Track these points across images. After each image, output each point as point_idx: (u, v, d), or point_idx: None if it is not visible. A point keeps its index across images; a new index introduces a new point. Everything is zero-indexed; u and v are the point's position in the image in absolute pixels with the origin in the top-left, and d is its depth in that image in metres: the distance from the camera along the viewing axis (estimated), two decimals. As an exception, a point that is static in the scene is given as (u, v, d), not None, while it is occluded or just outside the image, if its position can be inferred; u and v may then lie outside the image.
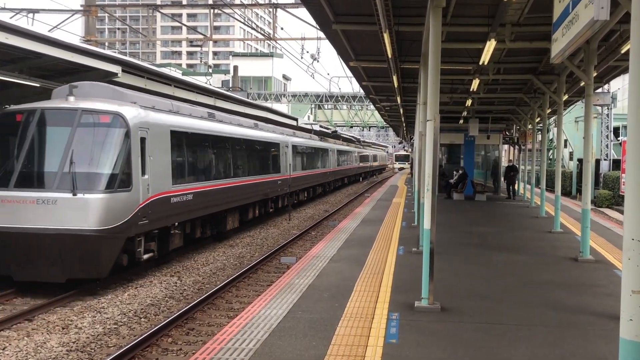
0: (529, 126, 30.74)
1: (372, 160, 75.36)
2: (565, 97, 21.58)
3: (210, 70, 44.44)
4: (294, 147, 29.99)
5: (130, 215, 12.42)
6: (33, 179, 11.79)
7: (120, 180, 12.12)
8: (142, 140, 13.03)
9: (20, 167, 11.85)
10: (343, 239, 15.09)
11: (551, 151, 47.88)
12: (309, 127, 43.55)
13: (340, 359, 6.45)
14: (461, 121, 32.00)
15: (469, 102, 24.75)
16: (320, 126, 59.58)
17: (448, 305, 8.69)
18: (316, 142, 36.54)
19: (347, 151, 51.65)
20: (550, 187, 33.62)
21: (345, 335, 7.25)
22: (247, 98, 55.63)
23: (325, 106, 68.10)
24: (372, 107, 62.77)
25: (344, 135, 62.72)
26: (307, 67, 31.20)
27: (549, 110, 25.08)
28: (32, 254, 11.41)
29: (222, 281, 14.58)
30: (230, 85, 61.22)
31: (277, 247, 18.91)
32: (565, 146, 45.55)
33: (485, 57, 14.24)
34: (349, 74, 23.32)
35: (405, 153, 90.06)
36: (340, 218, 27.19)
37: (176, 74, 36.43)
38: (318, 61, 32.35)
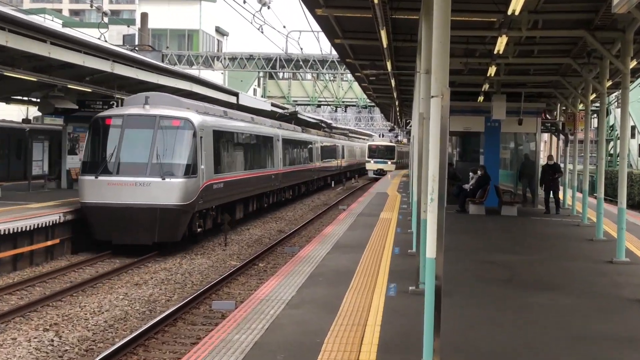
0: (580, 106, 31.00)
1: (344, 156, 77.01)
2: (634, 64, 21.68)
3: (105, 20, 43.84)
4: (283, 140, 42.07)
5: (196, 197, 24.50)
6: (131, 168, 23.88)
7: (191, 169, 24.17)
8: (201, 138, 24.99)
9: (119, 159, 24.04)
10: (307, 272, 15.04)
11: (612, 143, 48.57)
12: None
13: None
14: (481, 99, 32.25)
15: (492, 71, 24.89)
16: (273, 104, 59.55)
17: (462, 371, 8.70)
18: (300, 135, 51.23)
19: (304, 141, 53.49)
20: (611, 196, 34.08)
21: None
22: (163, 62, 55.34)
23: (280, 75, 68.08)
24: (349, 76, 62.99)
25: (307, 118, 62.42)
26: (253, 17, 31.08)
27: (609, 83, 25.23)
28: (130, 223, 23.31)
29: (122, 337, 14.41)
30: (137, 43, 60.78)
31: (207, 285, 18.80)
32: (633, 136, 46.14)
33: (517, 4, 14.33)
34: (316, 27, 23.30)
35: (387, 144, 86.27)
36: (302, 242, 27.12)
37: (54, 24, 36.02)
38: (269, 7, 32.21)
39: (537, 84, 31.14)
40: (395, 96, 38.57)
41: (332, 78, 70.96)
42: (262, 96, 76.52)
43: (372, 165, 79.85)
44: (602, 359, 9.56)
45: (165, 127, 24.50)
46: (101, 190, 23.90)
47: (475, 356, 9.46)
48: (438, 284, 8.60)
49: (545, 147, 54.14)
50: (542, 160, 51.22)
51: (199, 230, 26.16)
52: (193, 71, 57.04)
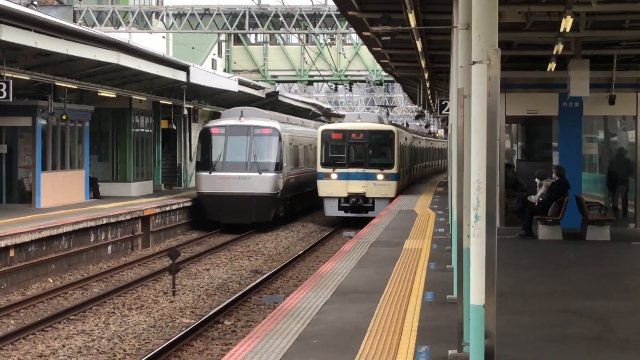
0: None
1: None
2: None
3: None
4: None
5: (282, 188, 54.67)
6: (235, 165, 52.82)
7: (279, 167, 54.17)
8: (283, 142, 54.97)
9: (225, 158, 53.12)
10: (294, 332, 15.03)
11: None
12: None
13: None
14: (552, 66, 32.22)
15: (567, 24, 24.91)
16: (241, 82, 59.77)
17: None
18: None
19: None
20: None
21: None
22: (75, 22, 55.42)
23: (252, 38, 68.13)
24: (355, 38, 63.17)
25: (293, 102, 65.05)
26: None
27: None
28: (234, 207, 51.45)
29: None
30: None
31: (147, 356, 18.88)
32: None
33: None
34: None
35: (374, 126, 60.83)
36: (288, 287, 27.16)
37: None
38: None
39: (635, 43, 31.12)
40: (423, 66, 38.46)
41: (329, 41, 70.33)
42: (225, 70, 76.36)
43: (333, 187, 56.85)
44: None
45: (258, 135, 52.79)
46: (214, 183, 51.19)
47: None
48: (489, 343, 8.59)
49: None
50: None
51: (281, 214, 55.43)
52: (121, 35, 57.28)
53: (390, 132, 59.58)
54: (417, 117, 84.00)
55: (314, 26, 62.73)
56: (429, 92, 54.79)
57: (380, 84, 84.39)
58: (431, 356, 13.36)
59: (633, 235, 29.84)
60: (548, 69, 31.92)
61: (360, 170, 56.34)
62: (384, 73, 66.39)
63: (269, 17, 62.29)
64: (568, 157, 31.37)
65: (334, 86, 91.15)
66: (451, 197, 18.78)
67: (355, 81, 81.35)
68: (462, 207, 13.89)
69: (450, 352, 13.14)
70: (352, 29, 49.25)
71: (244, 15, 62.14)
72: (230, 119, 53.86)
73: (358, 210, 55.90)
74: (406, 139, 69.59)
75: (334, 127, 62.88)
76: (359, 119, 60.99)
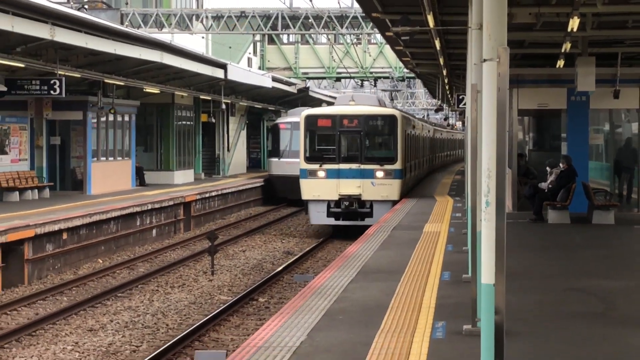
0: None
1: None
2: None
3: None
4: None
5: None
6: (294, 153, 53.89)
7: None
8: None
9: (291, 148, 59.38)
10: (322, 308, 15.01)
11: None
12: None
13: None
14: (560, 63, 32.08)
15: (574, 24, 24.78)
16: (274, 79, 59.46)
17: None
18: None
19: None
20: None
21: None
22: (123, 24, 55.45)
23: (284, 38, 68.20)
24: (379, 38, 63.04)
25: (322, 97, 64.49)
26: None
27: None
28: (297, 186, 45.56)
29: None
30: (86, 0, 60.95)
31: (188, 329, 18.92)
32: None
33: None
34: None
35: (370, 110, 47.54)
36: (317, 266, 27.13)
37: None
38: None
39: (639, 41, 30.93)
40: (441, 63, 38.34)
41: (355, 41, 69.70)
42: (260, 67, 76.46)
43: (321, 187, 43.87)
44: None
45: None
46: (282, 167, 59.10)
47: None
48: (499, 319, 8.53)
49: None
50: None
51: None
52: (164, 35, 57.22)
53: (392, 117, 45.11)
54: (436, 110, 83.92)
55: (341, 27, 62.45)
56: (447, 87, 54.48)
57: (403, 79, 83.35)
58: (447, 331, 13.31)
59: (636, 220, 29.69)
60: (557, 66, 31.82)
61: (354, 166, 42.59)
62: (405, 70, 65.24)
63: (300, 19, 62.09)
64: (576, 147, 31.25)
65: (360, 82, 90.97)
66: (467, 185, 18.77)
67: (380, 77, 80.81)
68: (474, 194, 13.85)
69: (464, 327, 13.10)
70: (376, 30, 48.71)
71: (277, 18, 61.92)
72: (294, 116, 58.83)
73: (352, 217, 42.21)
74: (414, 127, 55.73)
75: (321, 112, 46.87)
76: (352, 101, 45.65)
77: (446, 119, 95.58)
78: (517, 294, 15.06)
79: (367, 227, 32.29)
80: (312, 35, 69.60)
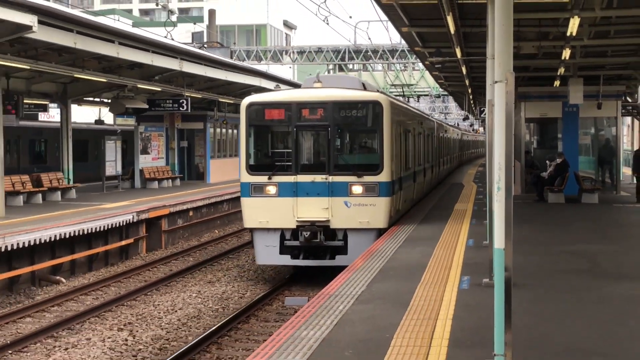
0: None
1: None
2: None
3: (173, 18, 44.38)
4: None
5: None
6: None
7: None
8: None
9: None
10: (377, 267, 14.99)
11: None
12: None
13: None
14: (557, 83, 31.74)
15: (567, 54, 24.47)
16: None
17: (536, 365, 8.60)
18: None
19: None
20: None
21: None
22: (231, 58, 55.74)
23: (350, 66, 68.04)
24: (420, 65, 62.77)
25: None
26: (318, 8, 31.11)
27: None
28: None
29: (196, 336, 14.62)
30: (205, 40, 61.37)
31: (280, 283, 19.12)
32: None
33: (587, -16, 14.04)
34: (383, 16, 23.22)
35: (341, 95, 22.14)
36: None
37: (123, 24, 36.62)
38: (335, -1, 32.22)
39: (615, 66, 30.53)
40: (467, 84, 38.11)
41: (402, 67, 68.96)
42: (333, 89, 76.41)
43: (271, 210, 21.20)
44: (685, 349, 9.34)
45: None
46: None
47: (550, 352, 9.30)
48: (507, 275, 8.48)
49: (629, 132, 53.11)
50: (626, 145, 50.48)
51: None
52: (262, 66, 57.33)
53: (375, 105, 22.21)
54: (464, 119, 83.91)
55: (392, 57, 62.02)
56: (472, 101, 54.03)
57: (439, 96, 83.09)
58: (471, 283, 13.30)
59: (614, 199, 29.40)
60: (554, 85, 31.51)
61: (319, 178, 21.52)
62: (440, 89, 64.70)
63: (362, 52, 61.75)
64: (568, 146, 31.04)
65: (407, 98, 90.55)
66: (487, 174, 18.58)
67: (421, 95, 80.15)
68: (490, 181, 13.78)
69: (484, 280, 13.07)
70: (418, 59, 48.88)
71: (345, 52, 61.74)
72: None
73: (317, 254, 21.56)
74: (421, 123, 31.71)
75: (269, 99, 22.96)
76: (317, 82, 23.00)
77: (471, 125, 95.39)
78: (522, 256, 14.95)
79: (341, 268, 16.60)
80: (371, 64, 69.18)
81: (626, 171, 41.91)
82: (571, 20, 18.83)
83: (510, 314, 8.51)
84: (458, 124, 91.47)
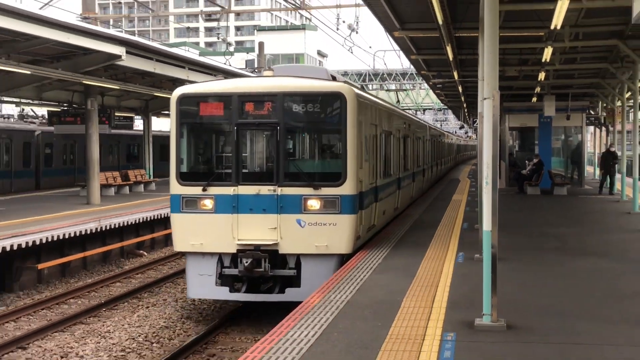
0: (618, 103, 30.17)
1: None
2: (661, 66, 21.06)
3: (230, 49, 44.64)
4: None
5: None
6: None
7: None
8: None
9: None
10: (391, 244, 14.93)
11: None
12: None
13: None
14: (534, 99, 31.64)
15: (542, 76, 24.40)
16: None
17: (516, 322, 8.55)
18: None
19: None
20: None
21: (390, 362, 7.17)
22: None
23: (370, 86, 67.86)
24: (425, 85, 62.50)
25: None
26: (344, 40, 31.08)
27: (641, 83, 24.52)
28: None
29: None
30: (256, 66, 61.30)
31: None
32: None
33: (558, 20, 13.97)
34: (396, 46, 23.23)
35: (307, 84, 13.65)
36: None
37: (191, 54, 36.77)
38: (357, 32, 32.16)
39: (581, 86, 30.40)
40: (462, 100, 38.10)
41: (411, 87, 68.65)
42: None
43: (206, 230, 13.09)
44: (633, 312, 9.25)
45: None
46: None
47: (527, 311, 9.27)
48: (494, 251, 8.49)
49: (592, 138, 52.64)
50: (589, 149, 50.05)
51: None
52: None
53: (337, 97, 13.05)
54: (460, 128, 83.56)
55: (404, 79, 61.95)
56: (466, 114, 53.89)
57: (440, 110, 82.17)
58: (465, 257, 13.20)
59: (580, 192, 29.13)
60: (532, 101, 31.44)
61: (266, 189, 12.93)
62: (442, 104, 64.41)
63: (379, 75, 61.75)
64: (543, 149, 30.83)
65: (415, 111, 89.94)
66: (479, 171, 18.52)
67: (427, 109, 79.56)
68: (481, 177, 13.71)
69: (475, 255, 12.96)
70: (423, 81, 48.81)
71: (365, 75, 61.75)
72: None
73: (262, 285, 13.39)
74: (394, 122, 19.30)
75: (206, 90, 13.49)
76: (268, 71, 14.28)
77: (466, 132, 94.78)
78: (505, 237, 14.84)
79: (295, 304, 10.16)
80: (386, 84, 68.90)
81: (589, 169, 41.61)
82: (545, 50, 18.78)
83: (496, 282, 8.50)
84: (456, 132, 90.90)
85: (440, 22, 14.46)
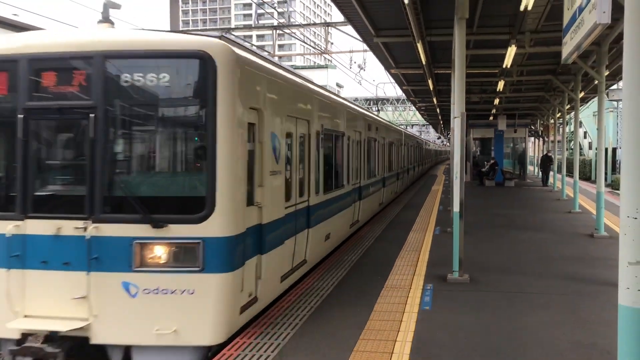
0: (551, 120, 29.89)
1: None
2: (582, 95, 20.92)
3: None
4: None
5: None
6: None
7: None
8: None
9: None
10: (387, 222, 14.89)
11: (572, 142, 46.35)
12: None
13: (379, 324, 6.41)
14: (491, 118, 31.48)
15: (497, 101, 24.25)
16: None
17: (476, 277, 8.53)
18: None
19: None
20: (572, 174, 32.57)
21: (385, 303, 7.20)
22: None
23: (373, 108, 67.52)
24: (413, 107, 62.30)
25: None
26: (355, 76, 31.01)
27: (568, 106, 24.30)
28: None
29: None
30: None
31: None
32: (585, 137, 43.99)
33: (508, 61, 13.86)
34: (392, 80, 23.16)
35: (141, 38, 4.42)
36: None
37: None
38: (364, 70, 32.08)
39: (524, 108, 30.12)
40: (440, 118, 37.89)
41: (403, 109, 67.46)
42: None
43: None
44: (561, 269, 9.21)
45: None
46: None
47: (484, 269, 9.23)
48: (460, 225, 8.47)
49: (532, 146, 52.09)
50: (530, 153, 49.58)
51: None
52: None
53: (199, 59, 3.59)
54: (438, 138, 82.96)
55: (397, 103, 61.49)
56: (442, 128, 53.50)
57: (424, 125, 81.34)
58: (440, 231, 13.15)
59: (524, 184, 28.82)
60: (490, 118, 31.20)
61: (69, 227, 3.65)
62: (425, 121, 63.81)
63: (380, 100, 61.37)
64: (498, 153, 30.61)
65: (405, 127, 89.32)
66: (451, 169, 18.50)
67: (414, 124, 78.75)
68: (452, 173, 13.65)
69: (448, 229, 12.89)
70: (412, 104, 48.42)
71: (371, 100, 61.40)
72: None
73: None
74: (348, 120, 9.96)
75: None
76: (104, 22, 3.87)
77: (442, 141, 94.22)
78: (468, 215, 14.77)
79: None
80: (385, 107, 68.33)
81: (530, 168, 41.21)
82: (499, 82, 18.63)
83: (462, 248, 8.49)
84: (434, 141, 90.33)
85: (424, 62, 14.40)
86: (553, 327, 6.28)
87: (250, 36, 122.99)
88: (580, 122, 44.23)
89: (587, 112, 38.56)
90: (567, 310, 6.94)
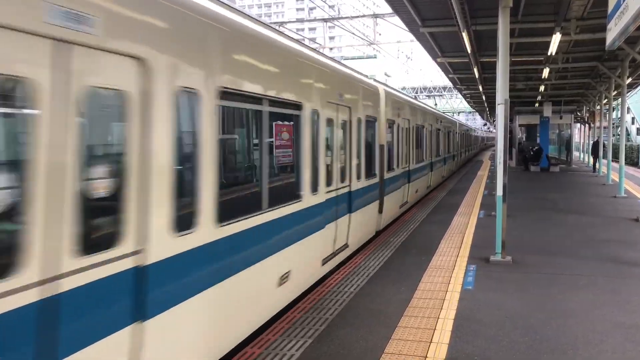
0: (597, 107, 28.72)
1: None
2: (629, 81, 19.96)
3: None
4: None
5: None
6: None
7: None
8: None
9: None
10: (432, 206, 14.76)
11: (619, 127, 44.39)
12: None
13: (422, 302, 6.41)
14: (537, 105, 30.49)
15: (542, 88, 23.48)
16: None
17: (518, 259, 8.37)
18: None
19: None
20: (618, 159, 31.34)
21: (429, 283, 7.19)
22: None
23: (420, 97, 66.47)
24: (459, 95, 60.95)
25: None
26: (403, 64, 30.70)
27: (614, 93, 23.28)
28: None
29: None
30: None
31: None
32: (634, 123, 42.03)
33: (553, 49, 13.38)
34: (439, 68, 22.81)
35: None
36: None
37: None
38: (411, 60, 31.65)
39: (570, 95, 29.02)
40: (485, 105, 36.97)
41: (450, 97, 66.70)
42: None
43: None
44: (605, 252, 8.92)
45: None
46: None
47: (527, 251, 9.05)
48: (503, 209, 8.32)
49: (579, 132, 50.20)
50: (576, 140, 47.94)
51: None
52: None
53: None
54: (484, 124, 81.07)
55: (444, 91, 60.44)
56: (488, 115, 52.24)
57: (471, 112, 79.88)
58: (484, 215, 12.93)
59: (570, 170, 27.95)
60: (535, 105, 30.27)
61: None
62: (471, 108, 62.34)
63: (427, 88, 60.43)
64: (543, 140, 29.70)
65: (452, 114, 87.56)
66: (496, 155, 18.22)
67: (461, 112, 77.35)
68: (497, 159, 13.39)
69: (492, 213, 12.67)
70: (458, 92, 47.44)
71: (418, 89, 60.53)
72: None
73: None
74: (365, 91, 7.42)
75: None
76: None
77: (488, 129, 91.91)
78: (513, 200, 14.49)
79: None
80: (433, 95, 67.14)
81: (576, 154, 39.83)
82: (545, 70, 18.04)
83: (505, 231, 8.35)
84: (481, 127, 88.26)
85: (469, 51, 14.09)
86: (595, 308, 6.12)
87: (303, 29, 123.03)
88: (628, 108, 42.29)
89: (635, 98, 36.80)
90: (609, 291, 6.73)
